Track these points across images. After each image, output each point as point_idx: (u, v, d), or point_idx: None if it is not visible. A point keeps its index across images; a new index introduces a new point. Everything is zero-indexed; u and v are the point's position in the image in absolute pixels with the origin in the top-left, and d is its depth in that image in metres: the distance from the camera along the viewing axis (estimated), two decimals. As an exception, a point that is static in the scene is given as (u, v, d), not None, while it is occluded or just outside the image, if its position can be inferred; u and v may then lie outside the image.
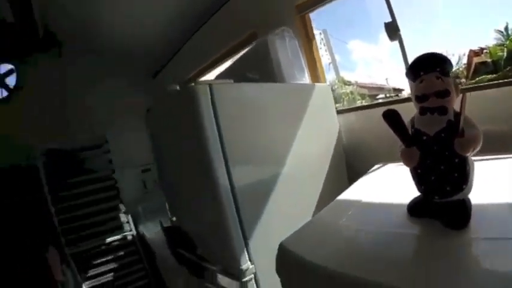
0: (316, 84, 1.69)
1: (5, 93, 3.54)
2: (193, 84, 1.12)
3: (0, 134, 3.11)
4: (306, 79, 1.65)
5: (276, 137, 1.31)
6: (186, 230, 1.53)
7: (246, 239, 1.15)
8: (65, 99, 3.49)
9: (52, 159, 2.80)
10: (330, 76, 2.07)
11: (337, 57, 2.28)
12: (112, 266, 2.94)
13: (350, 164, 1.65)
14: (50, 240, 2.78)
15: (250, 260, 1.16)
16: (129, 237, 2.98)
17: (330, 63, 2.16)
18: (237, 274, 1.16)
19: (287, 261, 0.77)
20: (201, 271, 1.37)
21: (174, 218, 1.76)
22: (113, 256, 2.94)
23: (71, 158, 2.88)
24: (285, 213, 1.23)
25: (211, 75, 2.81)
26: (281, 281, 0.82)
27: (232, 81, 1.22)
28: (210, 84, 1.11)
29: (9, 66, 3.51)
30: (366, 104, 1.84)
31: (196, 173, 1.23)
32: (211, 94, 1.10)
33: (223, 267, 1.23)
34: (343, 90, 2.11)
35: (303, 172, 1.36)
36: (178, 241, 1.57)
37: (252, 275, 1.17)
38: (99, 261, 2.91)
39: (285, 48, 1.55)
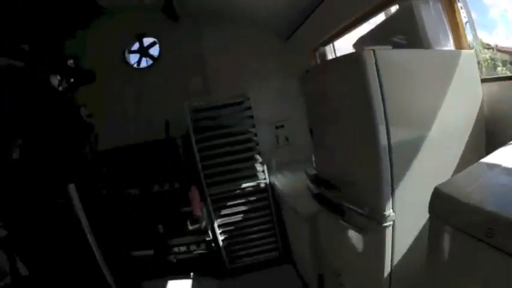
0: (462, 51, 1.72)
1: (149, 62, 4.26)
2: (361, 50, 1.31)
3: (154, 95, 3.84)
4: (450, 44, 1.68)
5: (425, 101, 1.44)
6: (329, 177, 1.82)
7: (393, 190, 1.36)
8: (204, 64, 4.05)
9: (199, 114, 3.40)
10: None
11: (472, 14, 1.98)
12: (243, 208, 3.52)
13: (490, 133, 1.64)
14: (194, 182, 3.43)
15: (392, 208, 1.37)
16: (262, 185, 3.49)
17: (466, 23, 1.89)
18: (378, 218, 1.38)
19: (440, 201, 0.99)
20: (340, 211, 1.64)
21: (318, 168, 2.07)
22: (244, 200, 3.51)
23: (216, 113, 3.43)
24: (428, 172, 1.39)
25: (347, 39, 2.83)
26: (430, 218, 1.05)
27: (390, 47, 1.39)
28: (373, 50, 1.29)
29: (152, 39, 4.19)
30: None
31: (356, 130, 1.46)
32: (376, 59, 1.29)
33: (366, 211, 1.45)
34: (483, 55, 1.91)
35: (445, 137, 1.47)
36: (321, 185, 1.86)
37: (392, 222, 1.38)
38: (232, 203, 3.51)
39: (429, 12, 1.60)
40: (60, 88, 4.56)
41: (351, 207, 1.56)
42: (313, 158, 2.13)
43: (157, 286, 3.62)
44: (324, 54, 2.43)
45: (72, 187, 1.39)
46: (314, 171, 2.08)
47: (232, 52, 3.98)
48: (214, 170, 3.39)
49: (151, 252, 3.56)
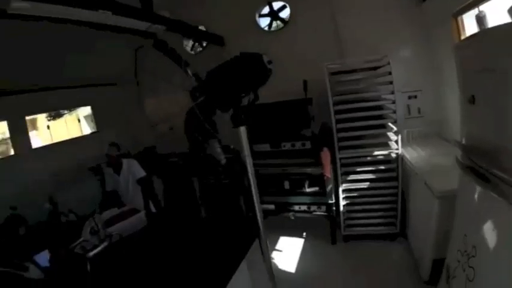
0: None
1: (281, 25, 4.51)
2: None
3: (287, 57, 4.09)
4: None
5: None
6: (484, 148, 1.80)
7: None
8: (336, 27, 4.15)
9: (337, 77, 3.49)
10: None
11: None
12: (369, 176, 3.57)
13: None
14: (326, 144, 3.64)
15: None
16: (393, 155, 3.44)
17: None
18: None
19: None
20: (494, 183, 1.62)
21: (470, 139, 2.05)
22: (373, 168, 3.55)
23: (354, 76, 3.45)
24: None
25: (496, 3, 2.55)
26: None
27: None
28: None
29: (281, 3, 4.41)
30: None
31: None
32: None
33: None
34: None
35: None
36: (474, 155, 1.86)
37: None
38: (360, 169, 3.59)
39: None
40: (193, 51, 5.23)
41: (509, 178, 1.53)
42: (465, 128, 2.10)
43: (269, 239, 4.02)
44: (482, 19, 2.23)
45: (243, 129, 1.61)
46: (465, 142, 2.07)
47: (365, 15, 3.96)
48: (347, 133, 3.48)
49: (272, 207, 3.91)
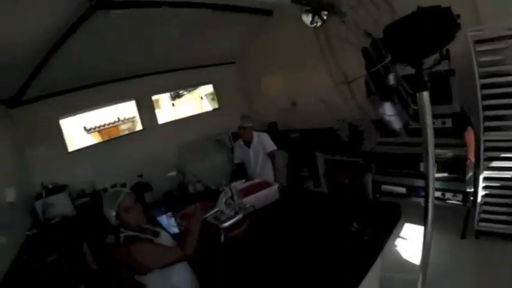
0: None
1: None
2: None
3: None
4: None
5: None
6: None
7: None
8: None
9: (481, 46, 3.05)
10: None
11: None
12: (512, 164, 3.11)
13: None
14: (469, 123, 3.30)
15: None
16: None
17: None
18: None
19: None
20: None
21: None
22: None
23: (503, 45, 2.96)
24: None
25: None
26: None
27: None
28: None
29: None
30: None
31: None
32: None
33: None
34: None
35: None
36: None
37: None
38: (505, 155, 3.13)
39: None
40: (314, 25, 5.19)
41: None
42: None
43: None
44: None
45: (426, 95, 1.48)
46: None
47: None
48: (495, 112, 3.06)
49: (403, 190, 3.70)
